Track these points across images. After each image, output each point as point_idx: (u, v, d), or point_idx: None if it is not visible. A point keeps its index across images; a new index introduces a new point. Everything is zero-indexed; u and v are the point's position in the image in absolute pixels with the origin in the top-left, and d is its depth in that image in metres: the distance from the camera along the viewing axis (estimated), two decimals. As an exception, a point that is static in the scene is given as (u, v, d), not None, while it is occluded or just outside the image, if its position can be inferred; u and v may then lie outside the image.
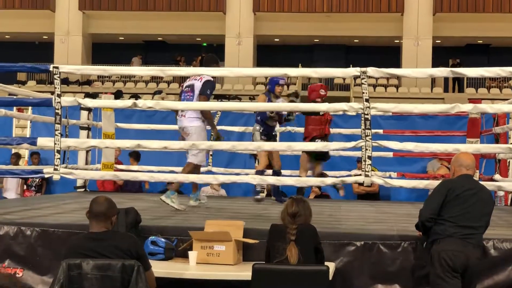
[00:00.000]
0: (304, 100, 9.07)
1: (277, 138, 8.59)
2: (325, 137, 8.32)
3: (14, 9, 27.60)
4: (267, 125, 8.21)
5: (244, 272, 4.86)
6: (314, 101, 8.11)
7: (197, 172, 7.34)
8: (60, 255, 4.57)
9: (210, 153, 10.03)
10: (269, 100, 8.11)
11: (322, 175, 8.35)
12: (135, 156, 10.80)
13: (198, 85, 7.32)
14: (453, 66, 25.29)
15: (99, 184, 10.73)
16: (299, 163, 8.48)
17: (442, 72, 6.80)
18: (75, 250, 4.46)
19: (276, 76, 8.10)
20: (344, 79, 26.63)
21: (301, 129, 10.10)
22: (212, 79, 7.38)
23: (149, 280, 4.47)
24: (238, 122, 11.05)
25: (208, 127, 7.53)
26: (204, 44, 30.82)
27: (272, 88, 8.22)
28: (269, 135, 8.26)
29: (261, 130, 8.20)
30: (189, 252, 5.21)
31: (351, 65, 22.98)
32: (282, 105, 7.66)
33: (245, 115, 11.50)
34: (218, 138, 7.49)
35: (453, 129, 10.50)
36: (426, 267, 5.13)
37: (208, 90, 7.26)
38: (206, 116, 7.35)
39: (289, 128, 10.16)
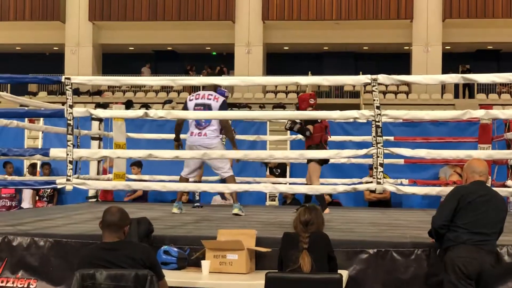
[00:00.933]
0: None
1: None
2: (325, 143, 8.43)
3: (25, 20, 27.79)
4: None
5: (257, 281, 4.85)
6: (305, 111, 8.12)
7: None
8: (73, 266, 4.59)
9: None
10: None
11: None
12: (138, 164, 10.83)
13: (216, 106, 7.46)
14: (463, 72, 25.25)
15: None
16: (310, 172, 8.44)
17: (453, 78, 6.80)
18: (88, 261, 4.48)
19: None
20: (354, 86, 26.62)
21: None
22: (224, 98, 7.62)
23: None
24: (249, 131, 11.07)
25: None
26: (214, 53, 30.91)
27: None
28: None
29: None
30: (202, 262, 5.21)
31: (360, 72, 22.98)
32: (294, 113, 7.66)
33: (256, 124, 11.52)
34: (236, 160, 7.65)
35: (464, 135, 10.47)
36: (440, 274, 5.11)
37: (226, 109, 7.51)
38: (230, 133, 7.68)
39: (300, 136, 10.16)
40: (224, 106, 7.51)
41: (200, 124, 7.58)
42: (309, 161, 8.15)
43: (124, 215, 4.62)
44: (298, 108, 8.59)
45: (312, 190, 6.36)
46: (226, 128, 7.65)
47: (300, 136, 10.03)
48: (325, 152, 6.51)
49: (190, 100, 7.69)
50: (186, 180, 7.80)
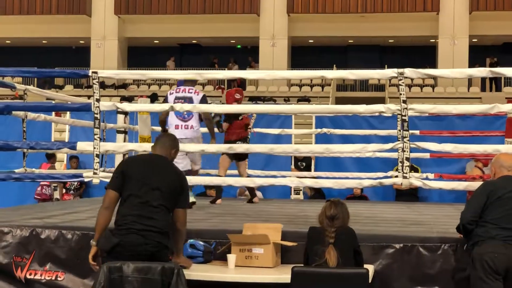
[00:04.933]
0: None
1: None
2: (245, 139, 8.65)
3: (51, 14, 28.00)
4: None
5: (283, 275, 4.85)
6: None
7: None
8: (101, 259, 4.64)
9: (247, 155, 10.04)
10: None
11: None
12: None
13: (197, 99, 7.72)
14: (491, 65, 25.01)
15: None
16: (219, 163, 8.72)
17: (481, 72, 6.73)
18: (136, 160, 4.92)
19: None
20: (379, 79, 26.48)
21: (336, 131, 10.12)
22: (204, 93, 7.95)
23: (180, 217, 4.75)
24: (273, 124, 11.06)
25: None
26: (239, 46, 30.92)
27: None
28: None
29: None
30: (228, 255, 5.22)
31: (386, 66, 22.84)
32: (319, 107, 7.64)
33: (280, 117, 11.52)
34: None
35: (491, 129, 10.38)
36: (467, 269, 5.07)
37: (207, 103, 7.71)
38: (211, 126, 7.97)
39: (324, 130, 10.15)
40: (205, 100, 7.78)
41: (183, 116, 7.84)
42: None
43: (176, 141, 5.03)
44: (225, 103, 8.82)
45: (338, 185, 6.33)
46: (209, 119, 7.98)
47: (325, 130, 10.06)
48: (352, 146, 6.48)
49: (170, 94, 7.98)
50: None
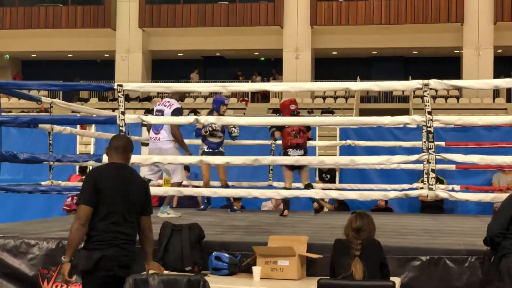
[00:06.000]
0: None
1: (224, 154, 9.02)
2: (296, 146, 8.66)
3: (77, 28, 28.30)
4: (209, 141, 8.94)
5: (309, 287, 4.84)
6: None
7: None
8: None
9: (271, 167, 10.04)
10: None
11: (310, 186, 8.67)
12: (187, 169, 10.90)
13: (167, 112, 8.09)
14: (516, 75, 24.79)
15: None
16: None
17: (507, 83, 6.66)
18: (106, 174, 4.77)
19: (220, 96, 9.00)
20: (403, 91, 26.36)
21: (361, 143, 10.09)
22: (180, 106, 8.22)
23: (148, 224, 4.81)
24: (298, 136, 11.03)
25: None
26: (262, 58, 30.99)
27: (217, 108, 9.01)
28: (213, 152, 8.88)
29: (205, 148, 8.97)
30: (253, 268, 5.21)
31: (410, 77, 22.78)
32: (343, 119, 7.63)
33: (305, 129, 11.47)
34: None
35: (517, 141, 10.26)
36: (494, 282, 5.03)
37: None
38: (178, 139, 8.17)
39: (349, 141, 10.12)
40: (176, 113, 8.04)
41: (156, 128, 8.18)
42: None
43: (130, 141, 5.03)
44: (280, 115, 8.92)
45: (363, 197, 6.30)
46: (174, 134, 8.15)
47: (349, 142, 10.04)
48: (377, 158, 6.46)
49: (156, 105, 8.41)
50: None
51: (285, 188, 8.45)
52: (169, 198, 8.33)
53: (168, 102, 8.24)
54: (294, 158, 7.24)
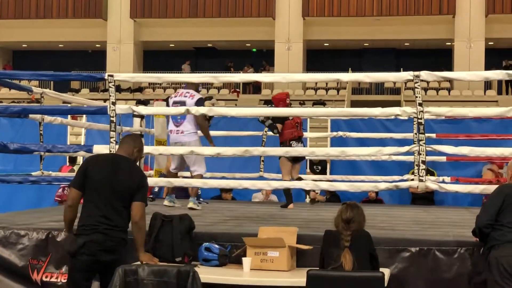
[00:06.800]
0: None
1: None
2: (298, 138, 8.68)
3: (67, 18, 28.16)
4: None
5: (299, 278, 4.85)
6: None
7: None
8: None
9: (262, 159, 10.05)
10: None
11: (300, 179, 8.59)
12: None
13: (190, 103, 7.69)
14: (506, 68, 24.87)
15: None
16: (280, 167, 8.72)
17: (497, 75, 6.68)
18: (97, 161, 5.00)
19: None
20: (394, 83, 26.39)
21: (352, 134, 10.11)
22: (202, 96, 7.95)
23: (135, 210, 4.81)
24: (289, 128, 11.03)
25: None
26: (254, 49, 30.94)
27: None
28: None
29: None
30: (243, 259, 5.22)
31: (401, 69, 22.77)
32: (336, 110, 7.63)
33: (296, 120, 11.47)
34: None
35: (508, 133, 10.30)
36: (484, 273, 5.05)
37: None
38: (206, 130, 7.94)
39: (340, 133, 10.14)
40: (201, 103, 7.76)
41: (177, 120, 7.91)
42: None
43: (135, 138, 5.18)
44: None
45: (354, 188, 6.31)
46: (201, 125, 7.92)
47: (341, 133, 10.05)
48: (368, 149, 6.46)
49: (170, 98, 8.08)
50: (175, 175, 8.10)
51: (287, 179, 8.42)
52: (195, 190, 8.05)
53: (188, 93, 7.91)
54: (284, 149, 7.22)
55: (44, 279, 5.74)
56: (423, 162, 6.04)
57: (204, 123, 7.99)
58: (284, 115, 8.34)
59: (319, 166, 11.50)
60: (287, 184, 6.77)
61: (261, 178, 9.68)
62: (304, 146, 8.58)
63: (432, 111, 6.27)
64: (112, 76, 6.53)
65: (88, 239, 4.75)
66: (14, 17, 28.22)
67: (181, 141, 7.82)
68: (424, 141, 6.05)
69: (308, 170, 11.37)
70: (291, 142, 8.53)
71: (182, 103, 7.72)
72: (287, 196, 8.64)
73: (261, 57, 29.71)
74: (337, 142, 10.68)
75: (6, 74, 7.96)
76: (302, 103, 24.64)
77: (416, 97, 6.06)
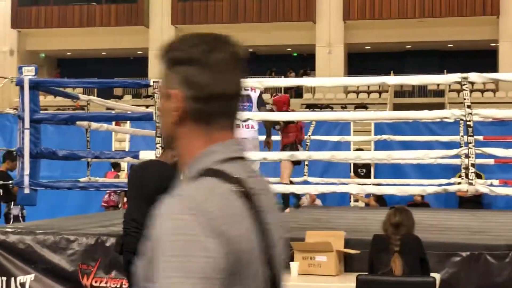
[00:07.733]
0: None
1: None
2: (301, 142, 8.75)
3: (110, 26, 28.52)
4: None
5: (347, 283, 4.82)
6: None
7: None
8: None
9: (306, 163, 10.01)
10: None
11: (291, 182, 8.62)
12: None
13: (254, 96, 7.71)
14: (553, 68, 24.38)
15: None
16: (281, 169, 8.60)
17: (546, 75, 6.56)
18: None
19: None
20: (438, 85, 26.07)
21: (396, 137, 10.01)
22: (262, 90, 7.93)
23: None
24: (332, 132, 10.99)
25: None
26: (295, 54, 30.90)
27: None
28: None
29: None
30: (291, 263, 5.20)
31: (445, 71, 22.52)
32: (376, 114, 7.57)
33: (339, 124, 11.43)
34: (269, 147, 7.93)
35: (557, 134, 10.10)
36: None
37: (263, 100, 7.82)
38: (269, 126, 7.94)
39: (384, 136, 10.04)
40: (261, 96, 7.81)
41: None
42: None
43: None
44: (277, 110, 8.79)
45: (401, 192, 6.25)
46: (266, 123, 7.99)
47: (385, 137, 9.96)
48: (415, 153, 6.39)
49: None
50: None
51: (287, 183, 8.38)
52: None
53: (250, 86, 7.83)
54: (330, 153, 7.18)
55: (94, 284, 5.80)
56: (473, 165, 5.95)
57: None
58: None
59: (363, 169, 11.44)
60: (333, 188, 6.72)
61: (305, 182, 9.65)
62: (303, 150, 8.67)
63: (481, 113, 6.19)
64: (157, 82, 6.57)
65: (124, 240, 5.02)
66: (58, 26, 28.69)
67: (255, 136, 7.76)
68: (473, 144, 5.96)
69: (352, 173, 11.32)
70: (297, 146, 8.55)
71: (247, 96, 7.71)
72: (285, 200, 8.54)
73: (302, 61, 29.65)
74: (381, 145, 10.59)
75: (54, 82, 8.11)
76: (344, 106, 24.53)
77: (464, 99, 5.97)
